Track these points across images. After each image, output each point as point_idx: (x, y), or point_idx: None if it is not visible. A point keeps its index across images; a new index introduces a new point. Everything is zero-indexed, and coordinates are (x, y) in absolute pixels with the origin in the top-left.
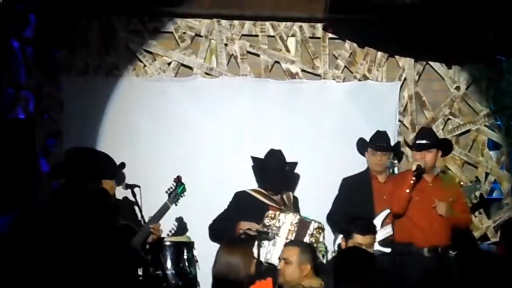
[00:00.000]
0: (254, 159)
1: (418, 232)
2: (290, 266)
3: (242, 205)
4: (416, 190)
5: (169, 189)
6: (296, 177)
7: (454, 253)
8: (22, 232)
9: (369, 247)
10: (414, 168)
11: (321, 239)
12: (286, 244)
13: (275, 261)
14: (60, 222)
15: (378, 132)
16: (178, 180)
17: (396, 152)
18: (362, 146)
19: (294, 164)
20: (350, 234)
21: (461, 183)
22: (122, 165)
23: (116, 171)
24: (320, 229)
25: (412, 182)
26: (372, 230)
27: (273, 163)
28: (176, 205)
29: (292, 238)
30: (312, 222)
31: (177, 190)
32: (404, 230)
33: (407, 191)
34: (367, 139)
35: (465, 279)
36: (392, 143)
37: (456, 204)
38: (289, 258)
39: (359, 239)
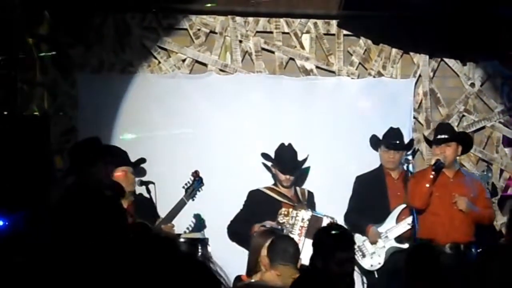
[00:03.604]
0: (265, 154)
1: (439, 228)
2: None
3: (256, 204)
4: (437, 186)
5: (186, 184)
6: (307, 169)
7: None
8: (35, 229)
9: None
10: (433, 162)
11: None
12: None
13: None
14: (72, 221)
15: (391, 128)
16: (195, 174)
17: (410, 149)
18: (375, 143)
19: (305, 158)
20: None
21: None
22: (142, 160)
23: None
24: None
25: (431, 176)
26: None
27: (285, 153)
28: (193, 200)
29: (304, 235)
30: (324, 217)
31: (194, 185)
32: (426, 226)
33: (427, 185)
34: (380, 136)
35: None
36: (407, 139)
37: (478, 199)
38: None
39: None
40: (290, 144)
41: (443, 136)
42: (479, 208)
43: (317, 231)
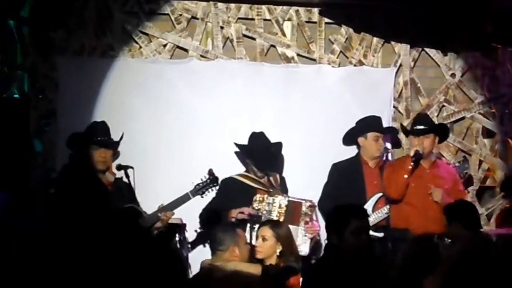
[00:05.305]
0: (238, 145)
1: (414, 218)
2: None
3: (230, 191)
4: (413, 176)
5: (200, 179)
6: (282, 158)
7: (449, 240)
8: (15, 212)
9: None
10: (412, 153)
11: (314, 217)
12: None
13: None
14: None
15: (374, 117)
16: (210, 173)
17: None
18: (360, 131)
19: (279, 145)
20: None
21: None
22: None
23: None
24: (312, 206)
25: (410, 167)
26: None
27: (258, 145)
28: (202, 197)
29: (281, 220)
30: (303, 202)
31: (206, 183)
32: (400, 215)
33: (405, 176)
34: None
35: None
36: None
37: (452, 191)
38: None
39: None
40: (262, 133)
41: (421, 127)
42: (453, 200)
43: (328, 211)
